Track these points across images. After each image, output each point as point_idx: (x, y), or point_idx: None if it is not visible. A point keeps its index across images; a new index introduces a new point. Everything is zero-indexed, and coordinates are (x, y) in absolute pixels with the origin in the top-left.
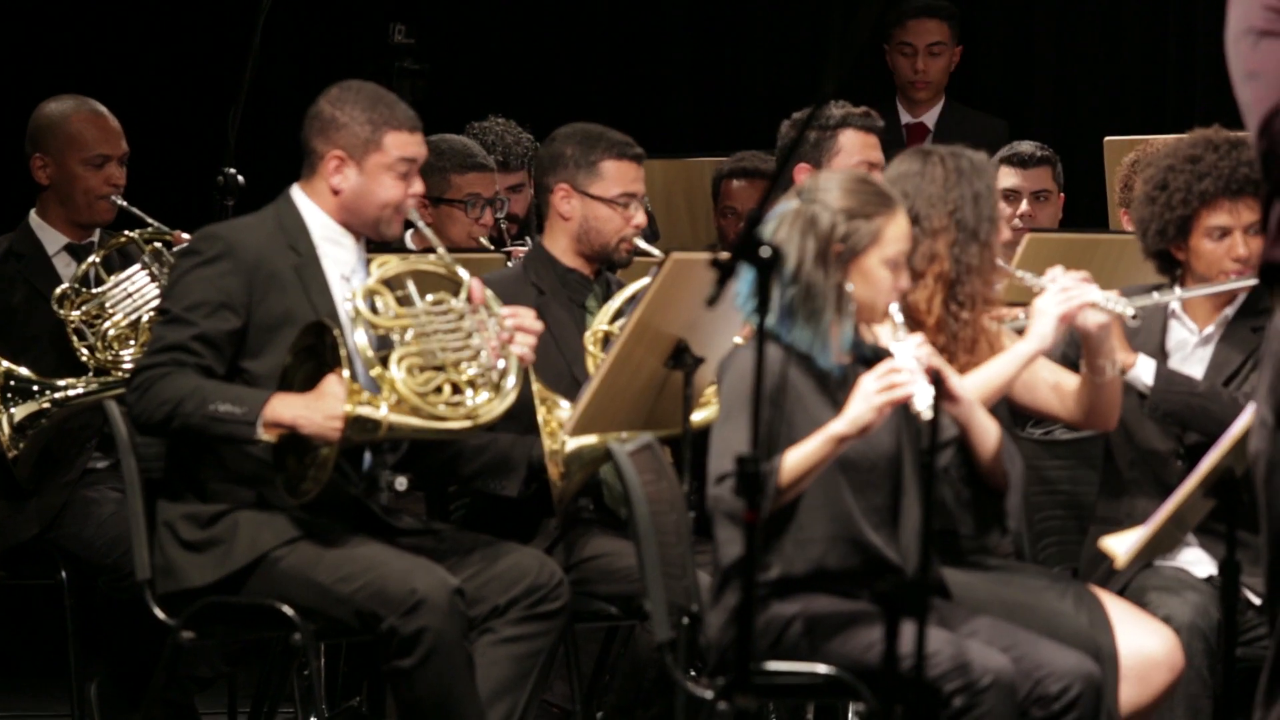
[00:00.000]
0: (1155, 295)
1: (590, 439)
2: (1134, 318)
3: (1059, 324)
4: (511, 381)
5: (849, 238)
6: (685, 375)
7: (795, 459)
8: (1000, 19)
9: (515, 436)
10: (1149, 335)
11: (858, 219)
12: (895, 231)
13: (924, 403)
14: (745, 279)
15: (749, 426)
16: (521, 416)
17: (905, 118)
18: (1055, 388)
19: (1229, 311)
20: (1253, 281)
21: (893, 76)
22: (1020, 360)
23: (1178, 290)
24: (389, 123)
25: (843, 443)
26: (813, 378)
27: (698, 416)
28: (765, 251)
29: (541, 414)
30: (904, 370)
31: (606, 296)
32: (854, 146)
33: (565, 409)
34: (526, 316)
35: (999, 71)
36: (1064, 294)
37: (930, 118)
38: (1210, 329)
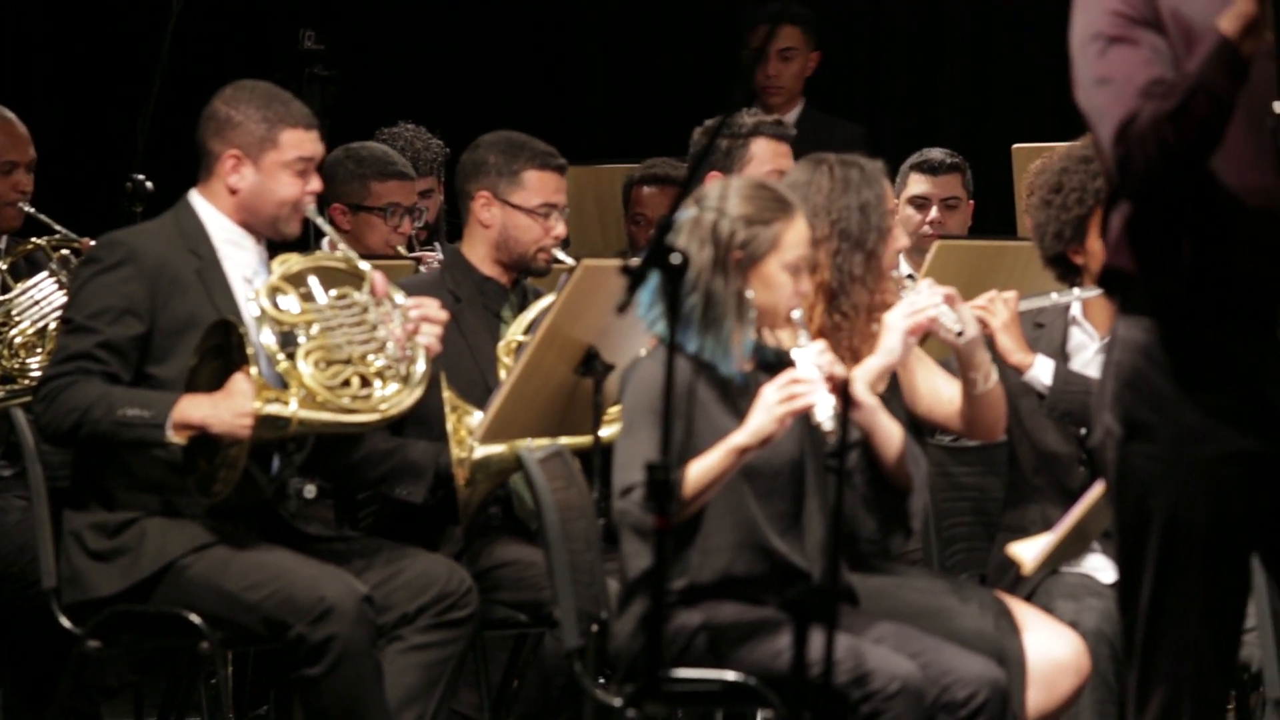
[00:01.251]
0: (1053, 296)
1: (499, 448)
2: (959, 335)
3: (906, 338)
4: (420, 372)
5: (748, 244)
6: (595, 382)
7: (698, 471)
8: (910, 27)
9: (423, 443)
10: (1050, 340)
11: (756, 225)
12: (794, 236)
13: (825, 413)
14: (646, 288)
15: (656, 436)
16: (431, 423)
17: None
18: (946, 399)
19: None
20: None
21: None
22: (870, 375)
23: (1075, 291)
24: (284, 120)
25: (745, 454)
26: (715, 386)
27: (606, 428)
28: (676, 258)
29: (451, 422)
30: (805, 380)
31: (522, 305)
32: (766, 155)
33: (476, 417)
34: (431, 306)
35: (909, 78)
36: (911, 309)
37: (789, 119)
38: (1110, 334)
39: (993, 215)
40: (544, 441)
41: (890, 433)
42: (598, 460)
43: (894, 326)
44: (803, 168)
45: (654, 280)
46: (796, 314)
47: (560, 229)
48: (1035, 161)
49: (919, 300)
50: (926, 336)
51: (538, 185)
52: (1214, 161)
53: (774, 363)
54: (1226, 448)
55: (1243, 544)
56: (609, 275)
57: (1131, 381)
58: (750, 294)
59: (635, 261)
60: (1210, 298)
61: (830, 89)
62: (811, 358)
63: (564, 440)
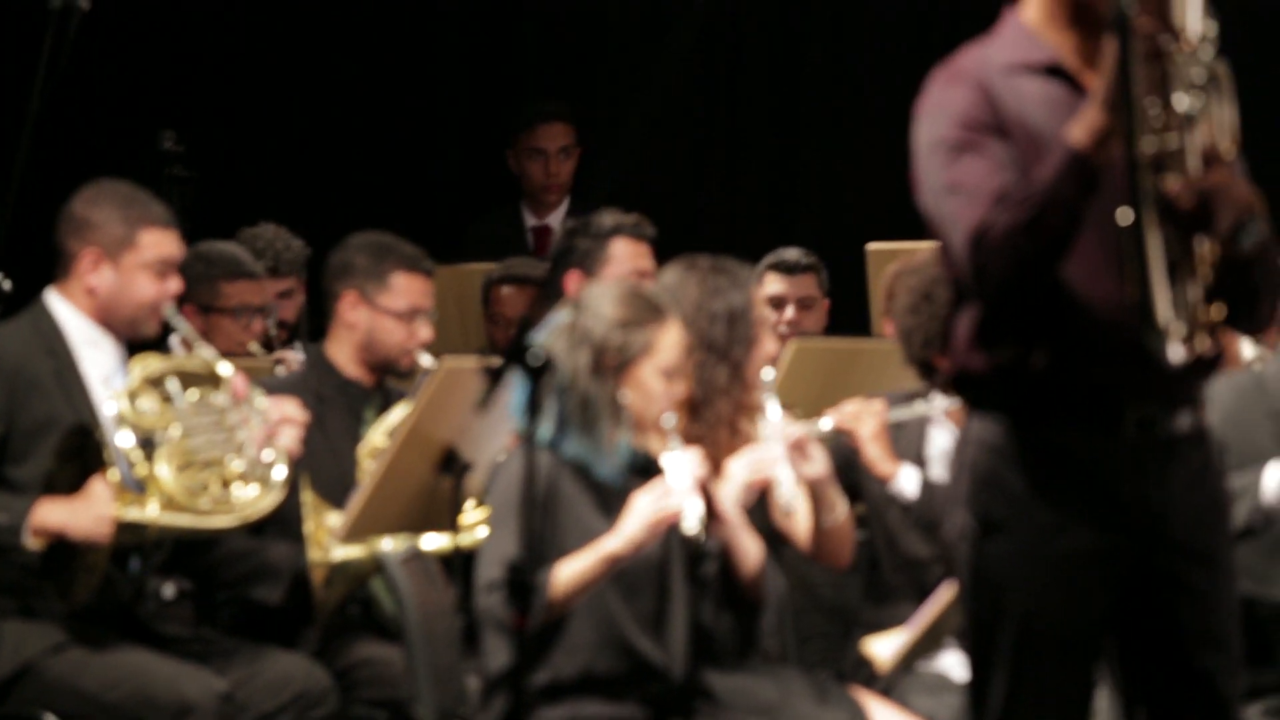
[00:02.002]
0: (918, 405)
1: (357, 552)
2: (786, 508)
3: (745, 491)
4: (279, 475)
5: (622, 348)
6: (455, 482)
7: (569, 575)
8: (767, 127)
9: (282, 544)
10: (907, 442)
11: (630, 329)
12: (668, 340)
13: (693, 520)
14: (519, 389)
15: (517, 534)
16: (291, 524)
17: (530, 220)
18: (800, 522)
19: None
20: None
21: (519, 181)
22: (729, 499)
23: (938, 399)
24: (143, 220)
25: (618, 562)
26: (588, 488)
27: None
28: (536, 358)
29: (310, 524)
30: (675, 489)
31: (385, 406)
32: (625, 254)
33: (335, 519)
34: (290, 408)
35: (765, 176)
36: (754, 463)
37: (555, 219)
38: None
39: (847, 315)
40: (404, 541)
41: (749, 550)
42: (457, 559)
43: (734, 477)
44: (674, 270)
45: (526, 382)
46: (668, 419)
47: (426, 333)
48: (893, 265)
49: (762, 455)
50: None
51: (405, 288)
52: (1064, 266)
53: (649, 468)
54: (1079, 545)
55: (1094, 644)
56: (469, 375)
57: (985, 480)
58: (624, 398)
59: (495, 361)
60: (1059, 399)
61: (687, 187)
62: (684, 464)
63: (426, 541)
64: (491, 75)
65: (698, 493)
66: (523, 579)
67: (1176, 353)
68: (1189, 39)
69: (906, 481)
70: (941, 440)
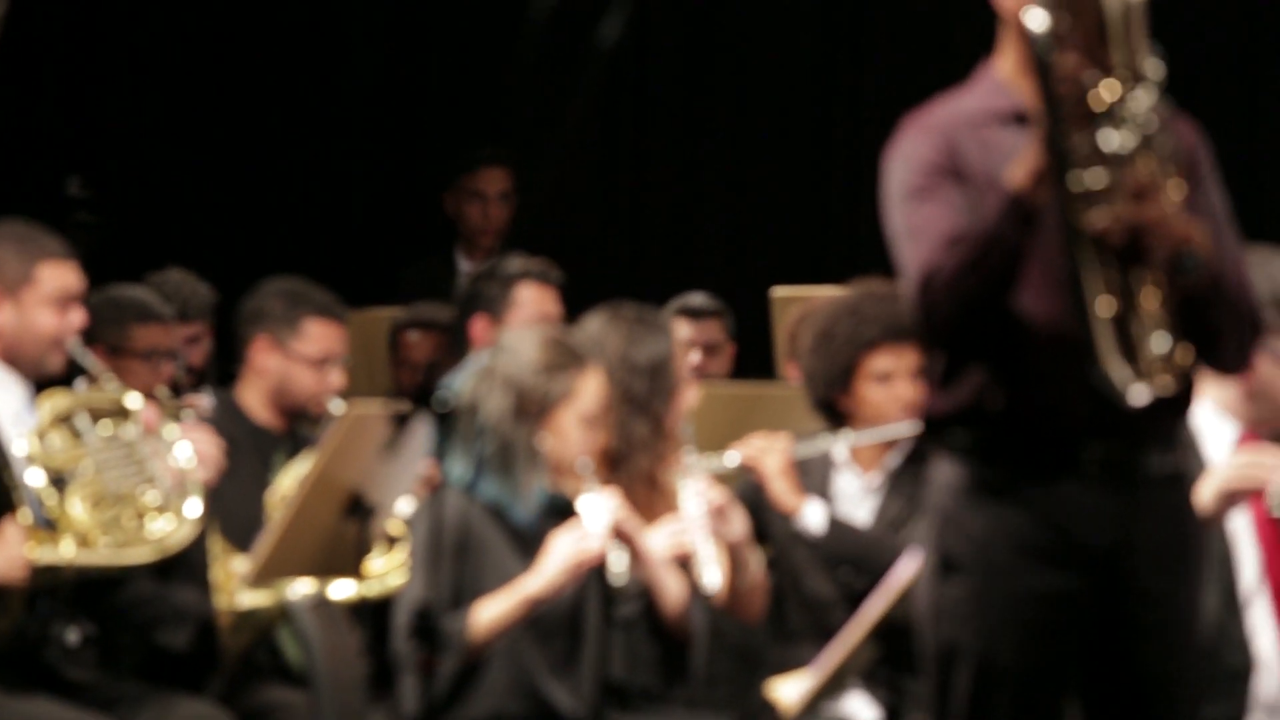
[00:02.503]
0: (822, 440)
1: (264, 600)
2: (712, 583)
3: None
4: (194, 507)
5: (543, 394)
6: (361, 526)
7: (488, 617)
8: (672, 171)
9: (188, 589)
10: (811, 484)
11: (552, 374)
12: (589, 387)
13: (616, 565)
14: (441, 434)
15: (431, 578)
16: (197, 570)
17: (464, 265)
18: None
19: (893, 460)
20: (910, 427)
21: (455, 224)
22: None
23: (844, 434)
24: (40, 254)
25: (538, 605)
26: (506, 531)
27: (374, 568)
28: (443, 403)
29: (217, 570)
30: (596, 533)
31: (295, 452)
32: (531, 300)
33: (241, 564)
34: (202, 439)
35: (669, 219)
36: (674, 535)
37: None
38: (875, 477)
39: (753, 360)
40: (310, 587)
41: (672, 589)
42: (363, 604)
43: (655, 546)
44: (598, 319)
45: (450, 427)
46: (584, 464)
47: (338, 379)
48: (796, 309)
49: (682, 527)
50: None
51: (318, 335)
52: (1022, 307)
53: (566, 512)
54: (1037, 587)
55: (1055, 684)
56: (375, 420)
57: (946, 520)
58: (543, 443)
59: (402, 406)
60: (1018, 440)
61: (592, 231)
62: (604, 508)
63: (334, 588)
64: (405, 119)
65: (615, 535)
66: (430, 623)
67: (1131, 392)
68: (1124, 76)
69: (813, 516)
70: (846, 483)
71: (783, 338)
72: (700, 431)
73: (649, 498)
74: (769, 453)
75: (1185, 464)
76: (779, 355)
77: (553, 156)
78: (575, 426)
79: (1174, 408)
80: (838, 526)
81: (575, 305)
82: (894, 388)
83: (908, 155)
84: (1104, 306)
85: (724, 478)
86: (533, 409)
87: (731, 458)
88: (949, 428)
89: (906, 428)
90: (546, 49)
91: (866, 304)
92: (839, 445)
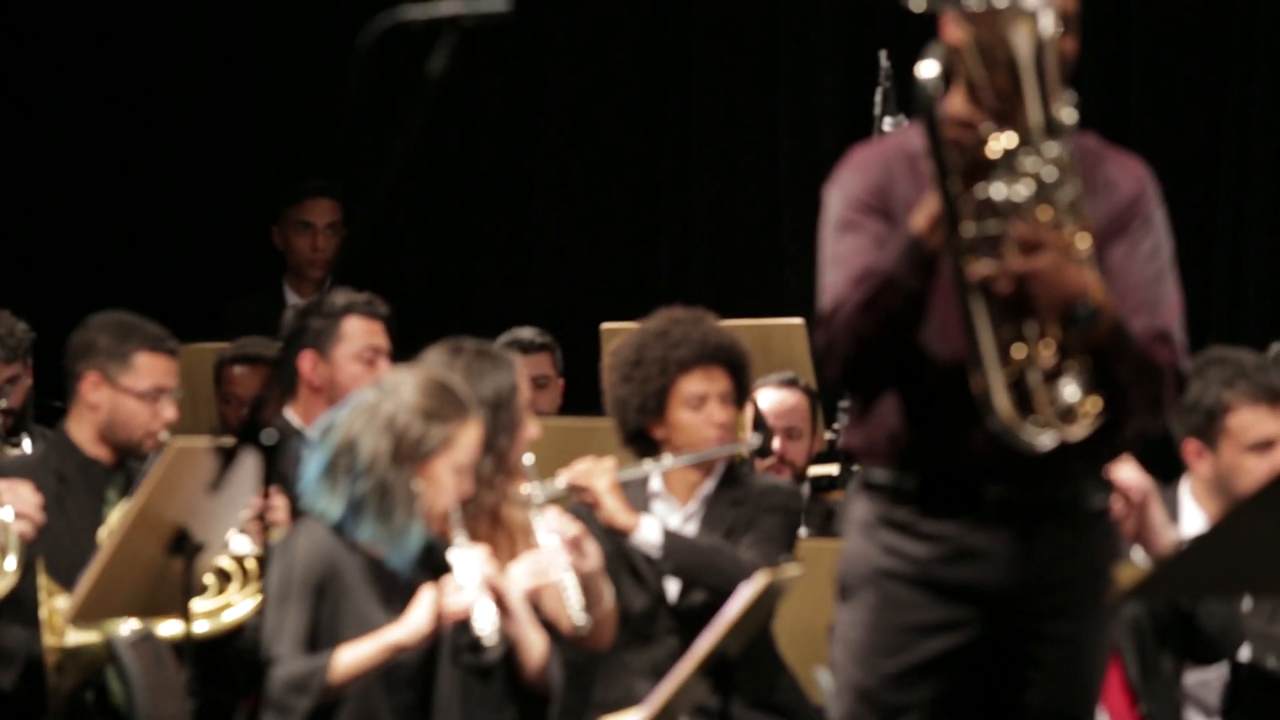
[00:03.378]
0: (646, 463)
1: (91, 638)
2: (580, 626)
3: (527, 596)
4: (10, 563)
5: (422, 439)
6: (186, 563)
7: (349, 661)
8: (499, 202)
9: (15, 628)
10: None
11: (432, 421)
12: (467, 439)
13: (485, 620)
14: (314, 464)
15: (288, 614)
16: (25, 608)
17: (292, 298)
18: (565, 618)
19: (708, 487)
20: (733, 449)
21: (284, 257)
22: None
23: (667, 457)
24: None
25: (400, 651)
26: (374, 575)
27: (200, 605)
28: (269, 437)
29: (44, 608)
30: (466, 586)
31: (128, 487)
32: (358, 333)
33: (66, 602)
34: (24, 491)
35: (498, 252)
36: (536, 570)
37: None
38: (692, 506)
39: (582, 395)
40: (135, 624)
41: (534, 643)
42: (189, 640)
43: (515, 581)
44: (437, 354)
45: (322, 459)
46: (454, 515)
47: (170, 413)
48: (613, 342)
49: (544, 564)
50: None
51: (149, 368)
52: (927, 347)
53: (437, 563)
54: (929, 621)
55: (950, 715)
56: (200, 455)
57: (850, 552)
58: (418, 488)
59: (227, 441)
60: (928, 480)
61: (421, 265)
62: (474, 562)
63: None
64: (227, 154)
65: (486, 591)
66: (256, 660)
67: (1027, 437)
68: (1034, 126)
69: (649, 531)
70: (662, 512)
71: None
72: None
73: (493, 533)
74: (596, 474)
75: (1091, 507)
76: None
77: (380, 188)
78: (449, 476)
79: (1085, 454)
80: (673, 539)
81: (405, 339)
82: (707, 411)
83: (842, 187)
84: (991, 354)
85: (556, 502)
86: (410, 454)
87: (560, 480)
88: (859, 462)
89: (726, 449)
90: (374, 81)
91: (675, 328)
92: (657, 470)
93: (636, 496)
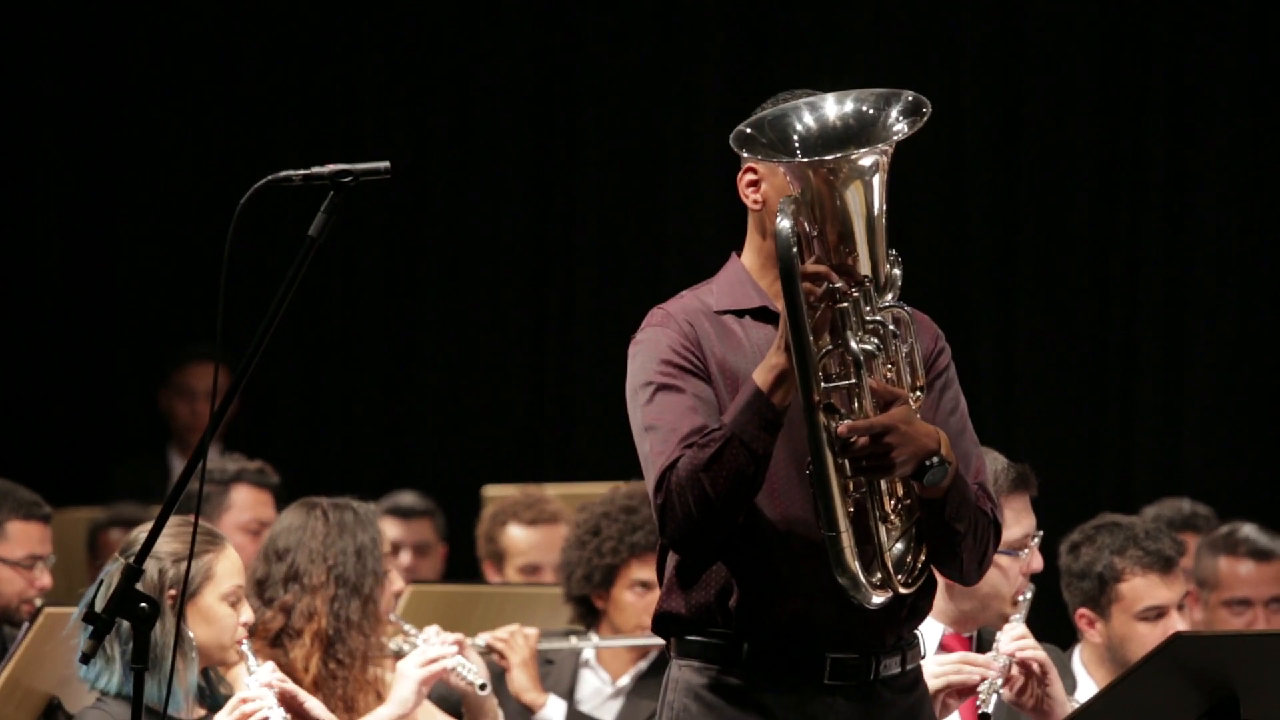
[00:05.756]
0: (572, 640)
1: None
2: (482, 688)
3: (420, 688)
4: None
5: (179, 582)
6: None
7: None
8: (381, 369)
9: None
10: (559, 680)
11: (183, 561)
12: (227, 566)
13: None
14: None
15: None
16: None
17: (177, 463)
18: None
19: (643, 665)
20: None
21: (168, 422)
22: None
23: (593, 638)
24: None
25: None
26: None
27: None
28: (146, 608)
29: None
30: (258, 698)
31: (1, 653)
32: (246, 502)
33: None
34: None
35: (379, 417)
36: (426, 658)
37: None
38: (624, 681)
39: (464, 560)
40: None
41: None
42: None
43: (408, 676)
44: (295, 512)
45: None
46: (245, 646)
47: (45, 579)
48: (491, 508)
49: (432, 650)
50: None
51: (22, 536)
52: (761, 509)
53: (216, 702)
54: None
55: None
56: (71, 623)
57: None
58: (191, 634)
59: (100, 609)
60: (759, 645)
61: (301, 429)
62: (263, 678)
63: None
64: (104, 314)
65: (282, 702)
66: None
67: (872, 597)
68: (865, 283)
69: (554, 712)
70: (593, 683)
71: (482, 536)
72: None
73: (360, 680)
74: (515, 645)
75: (916, 671)
76: (479, 554)
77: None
78: (221, 608)
79: (912, 612)
80: (578, 716)
81: (284, 503)
82: (650, 599)
83: (650, 347)
84: (842, 511)
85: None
86: (173, 599)
87: (481, 639)
88: (688, 629)
89: (654, 640)
90: (252, 240)
91: (643, 508)
92: (582, 648)
93: (567, 662)
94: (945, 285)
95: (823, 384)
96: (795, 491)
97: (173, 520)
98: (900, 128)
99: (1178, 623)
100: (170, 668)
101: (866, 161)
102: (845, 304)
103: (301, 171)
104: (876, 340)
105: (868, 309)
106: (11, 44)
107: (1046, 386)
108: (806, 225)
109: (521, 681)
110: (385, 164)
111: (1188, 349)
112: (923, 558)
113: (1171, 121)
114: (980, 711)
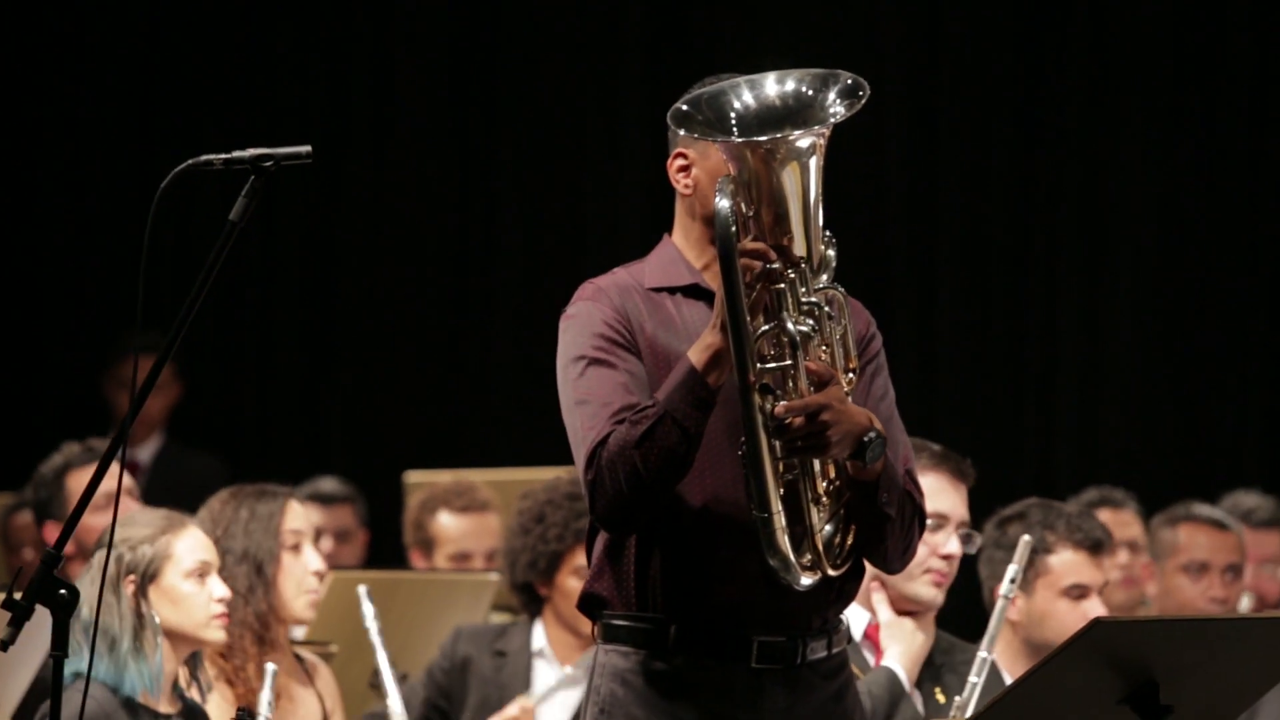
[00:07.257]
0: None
1: None
2: None
3: None
4: None
5: (139, 564)
6: None
7: None
8: (298, 356)
9: None
10: (514, 672)
11: (142, 545)
12: (189, 544)
13: None
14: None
15: None
16: None
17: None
18: None
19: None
20: None
21: (111, 412)
22: None
23: (569, 669)
24: None
25: None
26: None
27: None
28: (66, 593)
29: None
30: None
31: None
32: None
33: None
34: None
35: (297, 403)
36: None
37: (146, 454)
38: (573, 669)
39: (387, 546)
40: None
41: None
42: None
43: None
44: (220, 499)
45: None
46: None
47: None
48: (420, 495)
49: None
50: None
51: None
52: (689, 490)
53: (191, 707)
54: None
55: None
56: None
57: (606, 708)
58: (156, 618)
59: (17, 595)
60: (687, 628)
61: (219, 417)
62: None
63: None
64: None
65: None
66: None
67: (801, 579)
68: (801, 264)
69: None
70: (546, 673)
71: (410, 524)
72: (332, 621)
73: (256, 654)
74: None
75: (842, 655)
76: (406, 541)
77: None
78: (188, 585)
79: (840, 595)
80: None
81: (202, 489)
82: None
83: (581, 322)
84: (775, 492)
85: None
86: (138, 581)
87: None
88: (616, 613)
89: None
90: (173, 225)
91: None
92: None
93: (521, 654)
94: (864, 271)
95: (758, 364)
96: (725, 471)
97: (136, 508)
98: (838, 109)
99: (1099, 607)
100: (91, 656)
101: (804, 143)
102: (781, 285)
103: (222, 156)
104: (812, 322)
105: (803, 290)
106: None
107: (966, 373)
108: (743, 206)
109: None
110: (307, 148)
111: (1106, 338)
112: (850, 540)
113: (1090, 100)
114: None
